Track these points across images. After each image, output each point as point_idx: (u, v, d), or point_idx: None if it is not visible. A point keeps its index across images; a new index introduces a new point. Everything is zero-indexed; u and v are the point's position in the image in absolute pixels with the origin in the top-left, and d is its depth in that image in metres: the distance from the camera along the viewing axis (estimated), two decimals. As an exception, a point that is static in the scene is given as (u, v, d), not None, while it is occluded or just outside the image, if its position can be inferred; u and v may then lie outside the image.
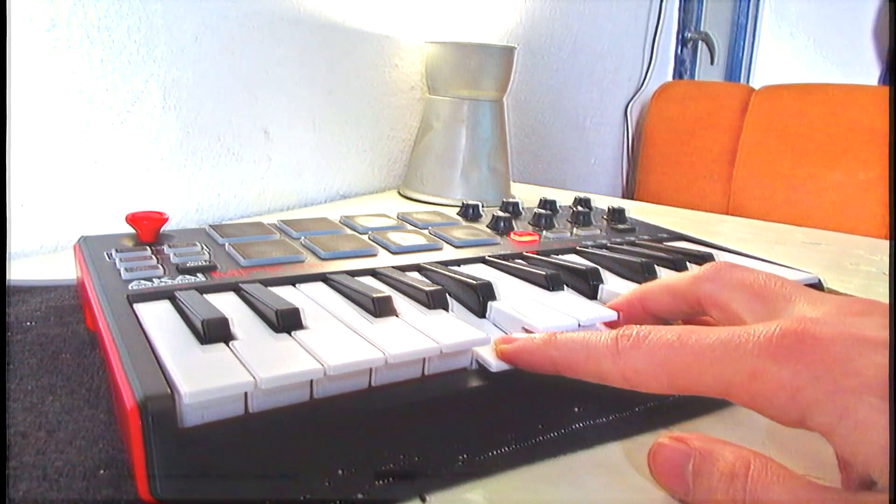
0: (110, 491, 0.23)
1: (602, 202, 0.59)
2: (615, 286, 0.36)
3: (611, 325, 0.31)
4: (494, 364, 0.26)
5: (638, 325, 0.23)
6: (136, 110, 0.58)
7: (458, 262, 0.39)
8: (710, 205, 1.29)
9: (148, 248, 0.37)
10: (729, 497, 0.20)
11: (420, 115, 0.86)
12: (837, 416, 0.18)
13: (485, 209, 0.53)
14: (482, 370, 0.27)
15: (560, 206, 0.55)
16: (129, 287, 0.31)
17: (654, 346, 0.22)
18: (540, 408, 0.27)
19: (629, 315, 0.30)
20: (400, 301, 0.31)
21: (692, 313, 0.28)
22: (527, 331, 0.30)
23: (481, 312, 0.32)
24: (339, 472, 0.23)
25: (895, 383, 0.17)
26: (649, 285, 0.30)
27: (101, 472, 0.24)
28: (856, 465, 0.18)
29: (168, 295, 0.30)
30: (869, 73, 1.57)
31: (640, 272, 0.38)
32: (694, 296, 0.27)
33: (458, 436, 0.26)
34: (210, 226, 0.42)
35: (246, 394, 0.22)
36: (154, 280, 0.32)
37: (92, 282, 0.32)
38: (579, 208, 0.53)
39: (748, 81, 1.83)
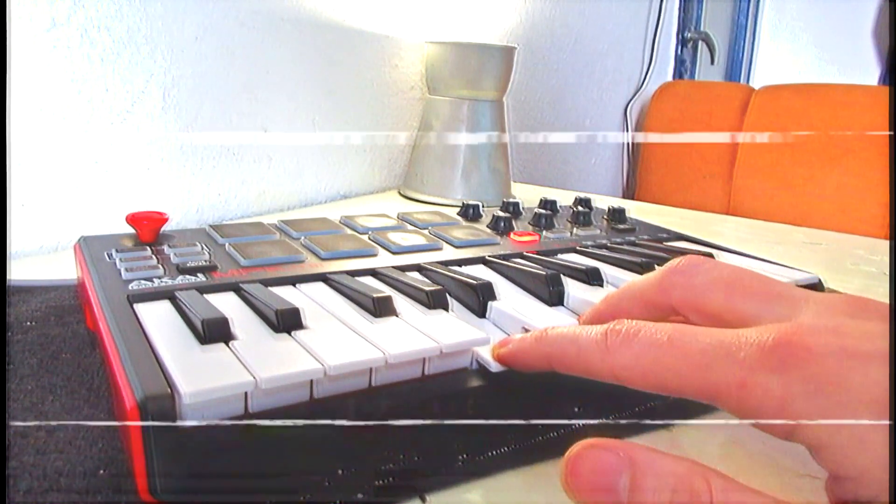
0: (110, 491, 0.23)
1: (602, 202, 0.59)
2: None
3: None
4: (494, 364, 0.26)
5: (628, 320, 0.22)
6: (136, 110, 0.58)
7: (459, 263, 0.39)
8: (711, 205, 1.29)
9: (148, 248, 0.37)
10: None
11: (420, 115, 0.86)
12: (829, 431, 0.18)
13: (485, 209, 0.53)
14: (482, 370, 0.27)
15: (560, 206, 0.55)
16: (129, 287, 0.31)
17: (643, 346, 0.21)
18: (540, 408, 0.27)
19: None
20: (400, 301, 0.31)
21: (667, 317, 0.27)
22: (526, 331, 0.30)
23: (481, 312, 0.32)
24: (339, 472, 0.23)
25: None
26: (619, 297, 0.28)
27: (101, 472, 0.24)
28: (848, 482, 0.18)
29: (168, 295, 0.30)
30: (869, 73, 1.57)
31: (640, 272, 0.38)
32: (667, 304, 0.26)
33: (458, 436, 0.26)
34: (210, 226, 0.42)
35: (246, 394, 0.22)
36: (154, 280, 0.32)
37: (92, 282, 0.32)
38: (579, 208, 0.53)
39: (748, 81, 1.83)
